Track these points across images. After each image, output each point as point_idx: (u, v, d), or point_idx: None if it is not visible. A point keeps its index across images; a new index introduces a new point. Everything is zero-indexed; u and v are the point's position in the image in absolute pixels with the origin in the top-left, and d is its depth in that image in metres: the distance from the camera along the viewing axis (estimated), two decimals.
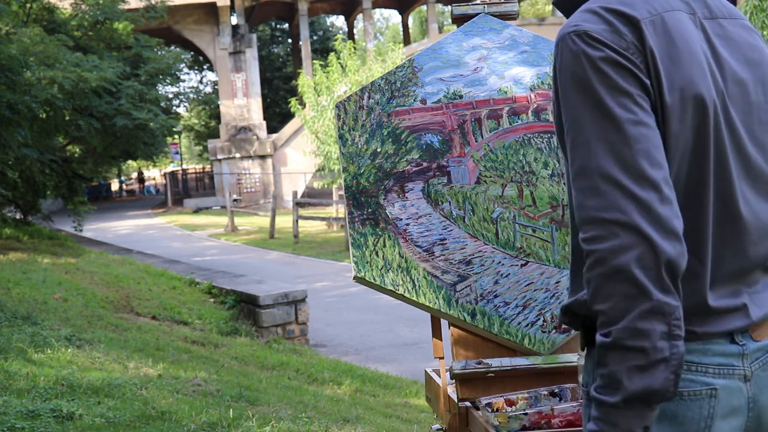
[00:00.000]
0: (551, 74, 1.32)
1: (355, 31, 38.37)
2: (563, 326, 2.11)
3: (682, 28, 1.27)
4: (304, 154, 21.81)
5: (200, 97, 41.26)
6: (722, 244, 1.28)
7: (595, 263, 1.16)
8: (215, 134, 35.44)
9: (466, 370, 2.06)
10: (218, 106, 33.31)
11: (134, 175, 51.18)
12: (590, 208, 1.18)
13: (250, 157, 29.68)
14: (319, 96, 17.70)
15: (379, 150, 2.18)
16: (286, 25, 40.18)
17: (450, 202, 2.17)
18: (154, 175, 53.16)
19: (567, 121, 1.24)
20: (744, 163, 1.30)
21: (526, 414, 1.87)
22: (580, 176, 1.20)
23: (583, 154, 1.20)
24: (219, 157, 29.75)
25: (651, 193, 1.15)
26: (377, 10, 48.45)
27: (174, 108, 28.86)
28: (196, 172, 40.62)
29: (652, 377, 1.12)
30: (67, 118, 13.81)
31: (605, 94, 1.19)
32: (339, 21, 49.16)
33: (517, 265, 2.14)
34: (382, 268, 2.12)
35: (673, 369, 1.13)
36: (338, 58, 17.75)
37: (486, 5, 2.33)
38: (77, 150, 16.84)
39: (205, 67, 41.27)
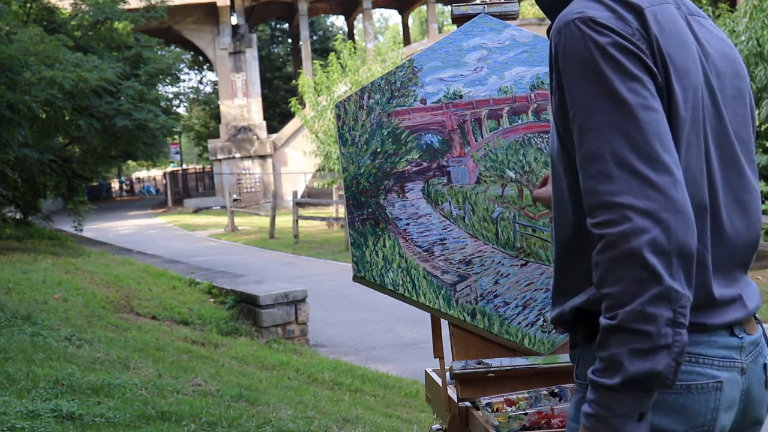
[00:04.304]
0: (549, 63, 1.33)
1: (355, 31, 38.37)
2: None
3: (676, 21, 1.29)
4: (304, 154, 21.80)
5: (200, 97, 41.25)
6: (715, 234, 1.30)
7: (605, 247, 1.15)
8: (215, 134, 35.44)
9: (466, 370, 2.06)
10: (218, 106, 33.32)
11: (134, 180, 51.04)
12: (603, 192, 1.17)
13: (250, 157, 29.69)
14: (319, 96, 17.70)
15: (379, 150, 2.18)
16: (286, 25, 40.18)
17: (450, 202, 2.17)
18: (154, 174, 53.12)
19: (573, 107, 1.23)
20: (729, 153, 1.33)
21: (526, 414, 1.87)
22: (589, 162, 1.19)
23: (593, 139, 1.19)
24: (219, 157, 29.76)
25: (665, 177, 1.15)
26: (377, 10, 48.46)
27: (174, 108, 28.86)
28: (196, 172, 40.64)
29: (654, 361, 1.12)
30: (67, 118, 13.79)
31: (615, 78, 1.19)
32: (339, 21, 49.17)
33: (517, 265, 2.14)
34: (382, 268, 2.12)
35: (675, 356, 1.13)
36: (338, 58, 17.74)
37: (486, 5, 2.33)
38: (77, 150, 16.82)
39: (205, 67, 41.27)
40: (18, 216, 14.89)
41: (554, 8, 1.41)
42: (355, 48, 18.84)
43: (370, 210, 2.15)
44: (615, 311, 1.14)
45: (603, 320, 1.16)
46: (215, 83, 37.18)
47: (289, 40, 40.38)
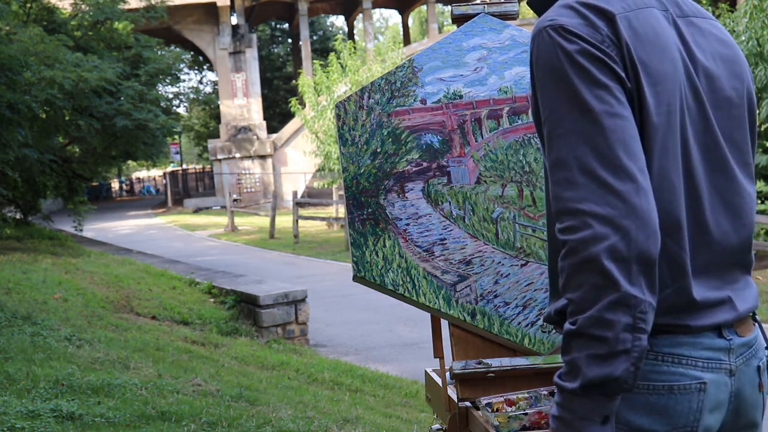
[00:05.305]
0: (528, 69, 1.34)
1: (355, 31, 38.37)
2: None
3: (655, 25, 1.29)
4: (304, 154, 21.82)
5: (200, 97, 41.25)
6: (698, 237, 1.29)
7: (567, 253, 1.17)
8: (215, 134, 35.45)
9: (466, 370, 2.05)
10: (218, 106, 33.33)
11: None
12: (566, 199, 1.18)
13: (250, 157, 29.69)
14: (319, 96, 17.70)
15: (379, 150, 2.18)
16: (286, 25, 40.19)
17: (450, 202, 2.17)
18: (154, 174, 53.10)
19: (544, 113, 1.25)
20: (715, 155, 1.32)
21: (526, 414, 1.87)
22: (556, 168, 1.21)
23: (560, 146, 1.21)
24: (219, 157, 29.76)
25: (628, 184, 1.16)
26: (377, 10, 48.47)
27: (174, 108, 28.87)
28: (196, 172, 40.65)
29: (612, 367, 1.14)
30: (67, 118, 13.79)
31: (581, 86, 1.20)
32: (339, 21, 49.16)
33: (517, 265, 2.14)
34: (382, 268, 2.11)
35: (634, 361, 1.15)
36: (338, 58, 17.75)
37: (486, 5, 2.33)
38: (77, 150, 16.82)
39: (205, 67, 41.28)
40: (18, 216, 14.90)
41: (542, 10, 1.43)
42: (355, 48, 18.85)
43: (370, 210, 2.15)
44: (575, 317, 1.17)
45: (566, 325, 1.18)
46: (215, 83, 37.19)
47: (289, 40, 40.38)
